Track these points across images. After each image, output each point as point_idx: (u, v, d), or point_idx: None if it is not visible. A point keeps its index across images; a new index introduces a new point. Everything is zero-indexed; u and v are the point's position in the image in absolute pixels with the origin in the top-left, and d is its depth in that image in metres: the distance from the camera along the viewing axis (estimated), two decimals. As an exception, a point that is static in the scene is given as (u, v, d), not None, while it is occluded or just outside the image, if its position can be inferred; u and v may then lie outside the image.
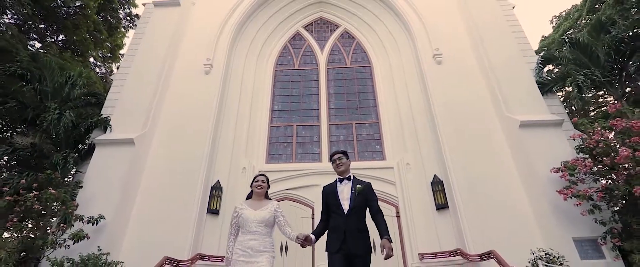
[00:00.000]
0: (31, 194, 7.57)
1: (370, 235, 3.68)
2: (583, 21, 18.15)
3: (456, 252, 8.67)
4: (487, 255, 7.63)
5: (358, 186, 3.69)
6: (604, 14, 13.39)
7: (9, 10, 13.83)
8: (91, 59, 18.43)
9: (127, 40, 20.68)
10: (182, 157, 10.41)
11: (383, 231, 3.42)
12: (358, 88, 14.09)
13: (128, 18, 18.76)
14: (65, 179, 8.91)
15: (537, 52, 23.27)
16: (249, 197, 4.11)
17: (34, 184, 7.82)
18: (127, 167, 9.79)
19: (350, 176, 3.86)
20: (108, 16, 18.03)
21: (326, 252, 3.61)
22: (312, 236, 3.63)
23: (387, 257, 3.24)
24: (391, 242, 3.34)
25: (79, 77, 10.58)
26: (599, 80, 8.99)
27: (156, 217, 9.32)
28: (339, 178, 3.87)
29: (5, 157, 8.94)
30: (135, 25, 18.76)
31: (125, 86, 11.68)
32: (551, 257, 6.82)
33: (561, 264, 6.70)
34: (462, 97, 11.10)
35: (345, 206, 3.61)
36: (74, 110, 9.93)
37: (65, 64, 12.32)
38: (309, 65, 14.89)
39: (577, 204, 7.52)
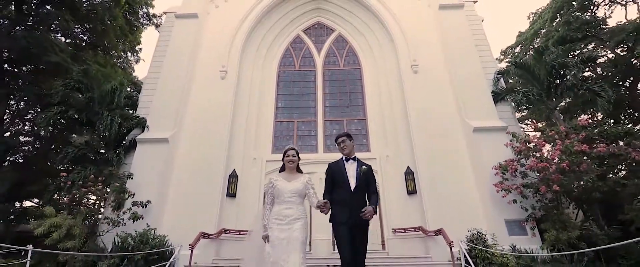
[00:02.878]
0: (99, 185, 9.92)
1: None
2: (550, 25, 19.93)
3: (419, 228, 11.12)
4: (439, 231, 10.07)
5: (363, 166, 4.01)
6: (556, 31, 15.34)
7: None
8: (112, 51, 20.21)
9: (144, 34, 22.49)
10: (206, 151, 12.63)
11: (372, 203, 3.86)
12: (349, 88, 16.16)
13: (145, 16, 20.53)
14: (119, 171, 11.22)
15: (513, 46, 25.38)
16: (282, 169, 4.27)
17: (100, 177, 10.16)
18: (163, 161, 12.10)
19: (355, 156, 4.15)
20: (127, 14, 19.74)
21: (330, 223, 3.95)
22: (328, 203, 3.85)
23: (364, 217, 3.67)
24: (375, 211, 3.78)
25: (120, 87, 12.66)
26: (535, 98, 11.18)
27: (188, 201, 11.67)
28: (345, 158, 4.13)
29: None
30: (154, 23, 20.58)
31: (157, 90, 13.79)
32: (480, 235, 9.24)
33: (485, 240, 9.12)
34: (432, 103, 13.22)
35: (352, 183, 3.90)
36: (118, 113, 12.12)
37: (105, 72, 14.34)
38: (308, 67, 16.85)
39: (503, 196, 9.95)
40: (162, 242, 10.00)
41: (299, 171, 4.24)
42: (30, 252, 7.65)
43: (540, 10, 24.10)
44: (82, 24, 15.48)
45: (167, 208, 11.59)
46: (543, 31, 21.95)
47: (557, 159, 8.66)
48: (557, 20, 19.73)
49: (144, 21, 20.55)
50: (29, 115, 15.21)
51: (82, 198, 9.83)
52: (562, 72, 11.04)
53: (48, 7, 14.38)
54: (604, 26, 16.19)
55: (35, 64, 12.99)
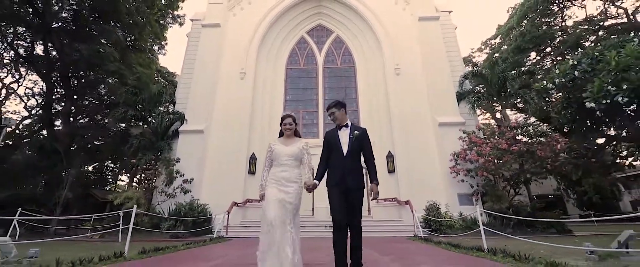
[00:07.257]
0: (157, 168, 13.01)
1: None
2: (519, 25, 22.15)
3: (394, 199, 14.20)
4: (407, 202, 13.16)
5: (355, 132, 3.91)
6: (514, 41, 17.79)
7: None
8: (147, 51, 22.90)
9: (170, 30, 24.97)
10: (232, 139, 15.47)
11: (373, 177, 3.77)
12: (345, 84, 18.78)
13: (171, 17, 23.00)
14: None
15: (493, 38, 27.63)
16: (281, 135, 4.19)
17: (157, 162, 13.24)
18: (200, 147, 15.09)
19: (347, 123, 4.03)
20: (159, 20, 22.26)
21: (326, 187, 3.87)
22: (317, 182, 3.83)
23: (374, 199, 3.75)
24: (378, 186, 3.75)
25: (164, 89, 15.52)
26: (485, 100, 13.95)
27: (220, 178, 14.60)
28: (338, 125, 4.05)
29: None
30: (179, 22, 23.12)
31: (190, 90, 16.59)
32: (434, 205, 12.30)
33: (439, 208, 12.18)
34: (410, 101, 15.80)
35: (345, 149, 3.84)
36: (164, 110, 15.05)
37: (148, 73, 17.15)
38: (311, 65, 19.38)
39: (454, 177, 12.97)
40: (204, 209, 13.10)
41: (297, 136, 4.21)
42: (121, 215, 10.84)
43: (517, 5, 26.12)
44: (125, 31, 18.12)
45: (204, 184, 14.61)
46: (512, 33, 24.15)
47: (488, 152, 11.61)
48: (527, 18, 21.97)
49: (170, 21, 23.05)
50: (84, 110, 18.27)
51: (147, 177, 12.92)
52: (505, 82, 13.74)
53: (96, 17, 17.03)
54: (563, 27, 18.50)
55: (95, 71, 15.83)
